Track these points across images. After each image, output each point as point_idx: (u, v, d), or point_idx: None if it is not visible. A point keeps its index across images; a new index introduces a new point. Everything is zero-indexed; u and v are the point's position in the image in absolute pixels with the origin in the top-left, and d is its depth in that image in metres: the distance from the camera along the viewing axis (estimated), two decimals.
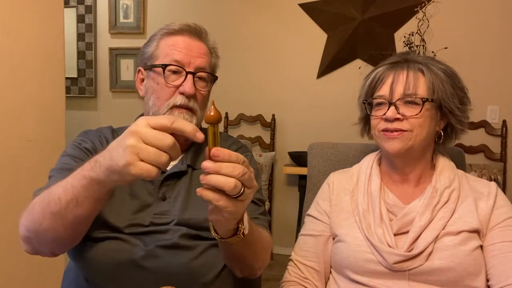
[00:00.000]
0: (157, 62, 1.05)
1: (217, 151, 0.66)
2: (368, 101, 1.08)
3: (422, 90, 1.01)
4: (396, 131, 1.01)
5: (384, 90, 1.04)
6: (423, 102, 1.00)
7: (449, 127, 1.09)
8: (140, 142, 0.65)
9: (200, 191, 0.68)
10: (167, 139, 0.65)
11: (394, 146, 1.02)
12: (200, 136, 0.67)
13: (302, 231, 1.17)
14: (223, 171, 0.66)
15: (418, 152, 1.05)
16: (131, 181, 0.69)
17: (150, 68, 1.07)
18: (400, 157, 1.05)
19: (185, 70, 1.03)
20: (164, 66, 1.03)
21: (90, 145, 1.06)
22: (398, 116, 1.00)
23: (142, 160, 0.65)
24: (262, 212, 1.08)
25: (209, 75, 1.08)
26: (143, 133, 0.65)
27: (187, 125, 0.67)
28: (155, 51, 1.06)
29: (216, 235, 0.80)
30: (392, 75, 1.04)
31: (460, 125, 1.07)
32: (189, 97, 1.03)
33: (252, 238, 0.85)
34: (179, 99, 1.03)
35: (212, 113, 0.68)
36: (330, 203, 1.13)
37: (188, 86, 1.02)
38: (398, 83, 1.02)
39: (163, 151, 0.65)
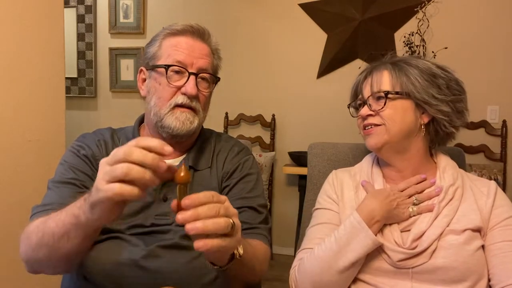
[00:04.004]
0: (159, 63, 1.05)
1: (187, 200, 0.66)
2: (353, 105, 1.18)
3: (385, 85, 1.07)
4: (370, 125, 1.07)
5: (360, 94, 1.14)
6: (386, 94, 1.05)
7: (435, 120, 1.08)
8: (111, 164, 0.66)
9: (200, 246, 0.67)
10: (149, 155, 0.66)
11: (370, 142, 1.08)
12: (168, 149, 0.67)
13: (310, 224, 1.14)
14: (202, 215, 0.65)
15: (398, 145, 1.06)
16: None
17: (152, 68, 1.06)
18: (381, 152, 1.09)
19: (187, 71, 1.03)
20: (167, 67, 1.03)
21: (89, 152, 1.05)
22: (370, 112, 1.07)
23: (122, 181, 0.65)
24: (263, 219, 1.07)
25: (211, 76, 1.08)
26: (115, 156, 0.67)
27: (151, 141, 0.67)
28: (158, 51, 1.06)
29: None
30: (364, 80, 1.13)
31: (444, 115, 1.05)
32: (191, 97, 1.03)
33: (247, 256, 0.85)
34: (180, 99, 1.03)
35: (182, 174, 0.68)
36: (337, 195, 1.13)
37: (190, 86, 1.02)
38: (367, 84, 1.11)
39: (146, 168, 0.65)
